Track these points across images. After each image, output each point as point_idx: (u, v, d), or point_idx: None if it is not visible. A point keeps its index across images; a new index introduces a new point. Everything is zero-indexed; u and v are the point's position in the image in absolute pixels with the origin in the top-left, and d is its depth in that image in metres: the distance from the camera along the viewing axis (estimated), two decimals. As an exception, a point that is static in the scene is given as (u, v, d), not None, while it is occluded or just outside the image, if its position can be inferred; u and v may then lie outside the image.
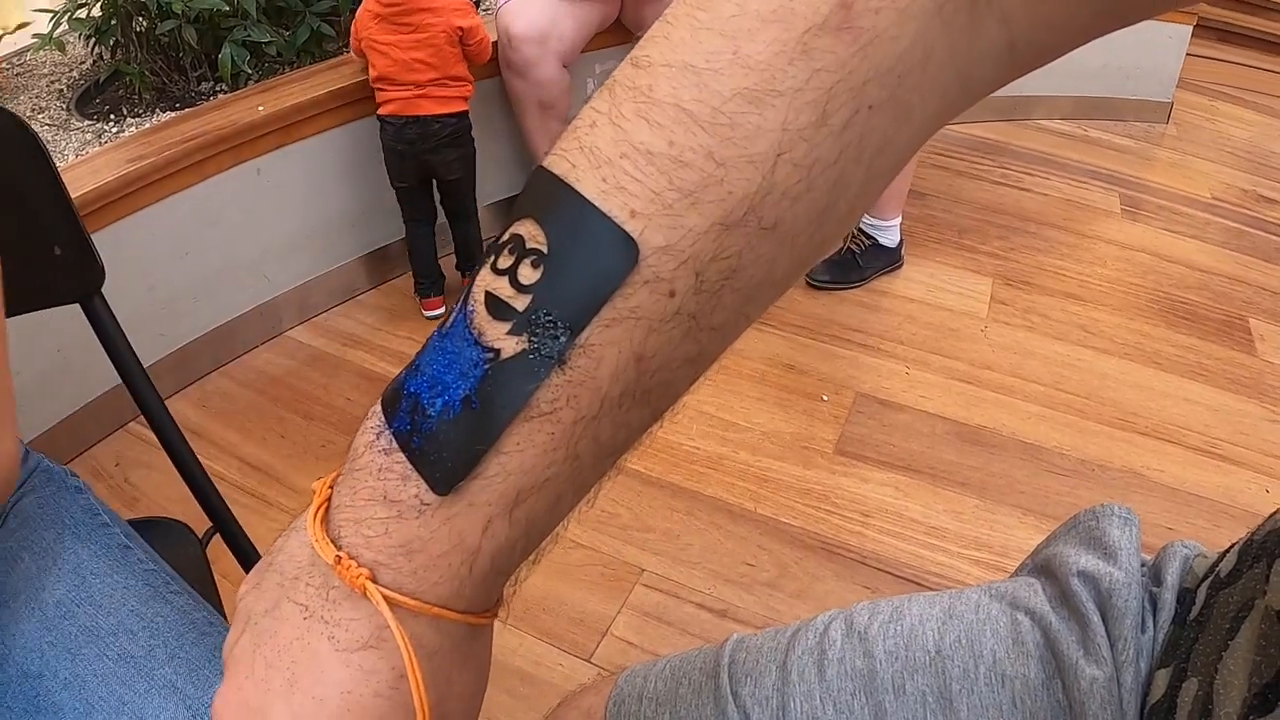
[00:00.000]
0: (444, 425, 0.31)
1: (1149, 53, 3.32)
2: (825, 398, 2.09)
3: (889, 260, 2.48)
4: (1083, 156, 3.19)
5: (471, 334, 0.31)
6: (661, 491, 1.84)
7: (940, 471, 1.92)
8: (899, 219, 2.45)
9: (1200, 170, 3.20)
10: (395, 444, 0.33)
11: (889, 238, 2.45)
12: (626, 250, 0.30)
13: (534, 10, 2.15)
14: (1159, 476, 1.95)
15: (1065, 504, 1.85)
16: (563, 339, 0.30)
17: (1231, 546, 0.57)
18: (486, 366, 0.31)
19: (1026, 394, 2.13)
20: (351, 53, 2.14)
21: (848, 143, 0.31)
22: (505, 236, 0.32)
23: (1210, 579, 0.55)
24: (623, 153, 0.30)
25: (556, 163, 0.31)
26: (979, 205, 2.84)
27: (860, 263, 2.43)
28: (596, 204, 0.30)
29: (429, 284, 2.31)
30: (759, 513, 1.81)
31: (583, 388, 0.31)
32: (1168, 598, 0.57)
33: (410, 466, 0.32)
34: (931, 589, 1.65)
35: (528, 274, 0.31)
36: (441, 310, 2.33)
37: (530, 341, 0.30)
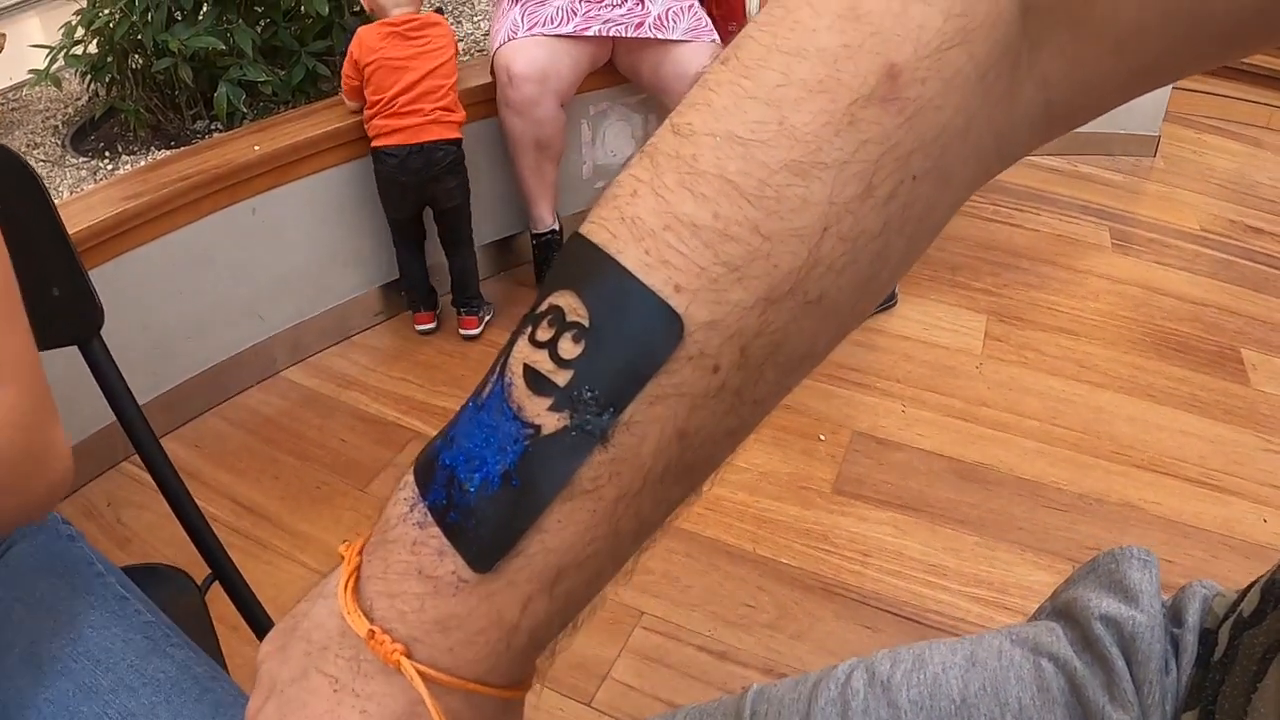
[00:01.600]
0: (483, 501, 0.31)
1: (1136, 88, 3.35)
2: (822, 437, 2.08)
3: (884, 299, 2.48)
4: (1073, 191, 3.21)
5: (510, 408, 0.31)
6: (660, 533, 1.82)
7: (938, 509, 1.91)
8: (893, 256, 2.45)
9: (1188, 202, 3.22)
10: (430, 518, 0.32)
11: (883, 275, 2.45)
12: (671, 326, 0.29)
13: (533, 49, 2.16)
14: (1156, 509, 1.95)
15: (1064, 539, 1.85)
16: (606, 417, 0.29)
17: (1252, 585, 0.56)
18: (527, 443, 0.30)
19: (1023, 430, 2.13)
20: (342, 93, 2.16)
21: (892, 213, 0.30)
22: (543, 307, 0.31)
23: (1233, 618, 0.55)
24: (666, 224, 0.29)
25: (596, 232, 0.31)
26: (971, 242, 2.85)
27: (855, 300, 2.43)
28: (640, 277, 0.29)
29: (420, 299, 2.35)
30: (758, 553, 1.80)
31: (625, 465, 0.30)
32: (1189, 639, 0.57)
33: (446, 542, 0.31)
34: (932, 627, 1.65)
35: (569, 348, 0.30)
36: (433, 325, 2.39)
37: (573, 418, 0.30)
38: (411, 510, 0.33)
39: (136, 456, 1.00)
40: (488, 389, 0.32)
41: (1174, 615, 0.60)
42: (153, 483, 1.01)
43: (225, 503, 1.89)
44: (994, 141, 0.33)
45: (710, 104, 0.30)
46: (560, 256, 0.32)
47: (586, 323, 0.30)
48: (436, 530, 0.32)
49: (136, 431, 0.99)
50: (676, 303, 0.29)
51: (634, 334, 0.29)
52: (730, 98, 0.30)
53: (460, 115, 2.13)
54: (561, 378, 0.30)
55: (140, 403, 1.00)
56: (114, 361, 0.98)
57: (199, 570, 1.04)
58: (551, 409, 0.30)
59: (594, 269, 0.30)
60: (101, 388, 0.98)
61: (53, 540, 0.84)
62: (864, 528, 1.86)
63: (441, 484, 0.32)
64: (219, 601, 1.04)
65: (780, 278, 0.29)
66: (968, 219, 2.98)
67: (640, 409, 0.29)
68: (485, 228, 2.45)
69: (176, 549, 1.06)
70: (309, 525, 1.84)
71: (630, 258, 0.30)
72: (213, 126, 2.53)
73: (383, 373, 2.27)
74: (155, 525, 1.77)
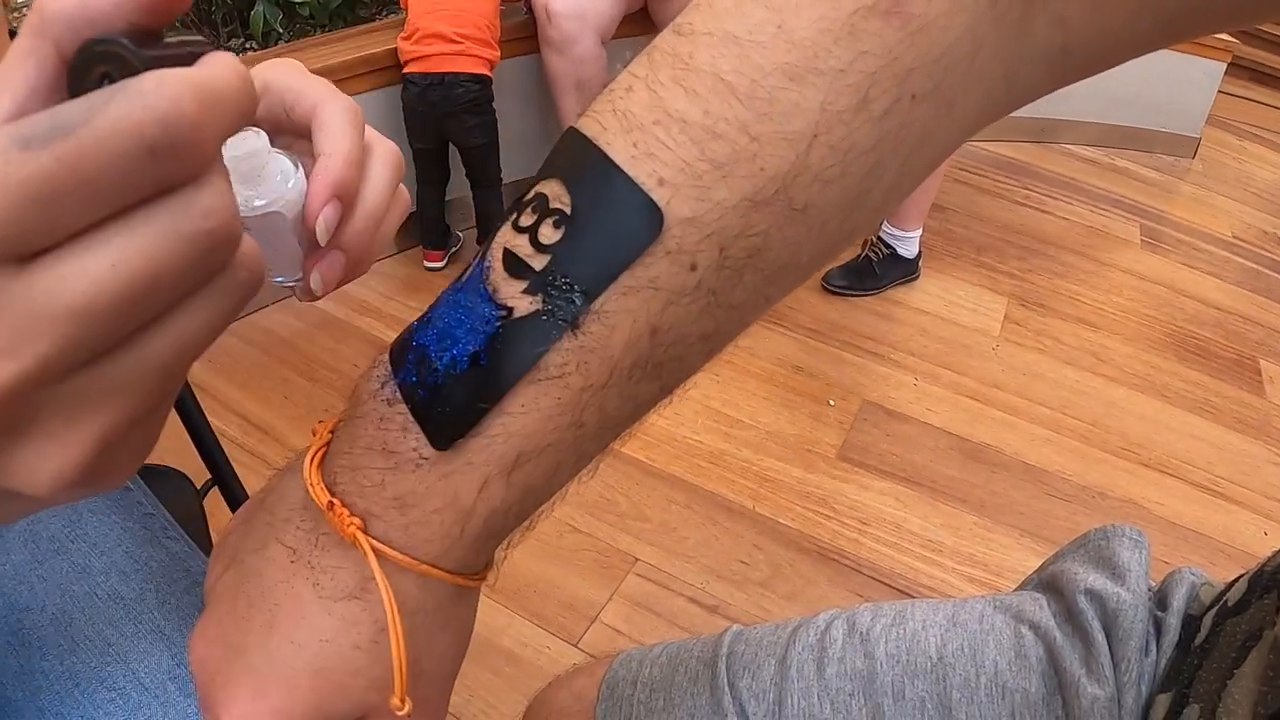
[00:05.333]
0: (450, 380, 0.31)
1: (1181, 87, 3.31)
2: (832, 402, 2.08)
3: (906, 271, 2.47)
4: (1107, 184, 3.18)
5: (486, 290, 0.31)
6: (661, 482, 1.83)
7: (941, 486, 1.91)
8: (919, 231, 2.44)
9: (1223, 208, 3.19)
10: (399, 395, 0.32)
11: (908, 249, 2.44)
12: (651, 218, 0.29)
13: None
14: (1159, 509, 1.94)
15: (1063, 528, 1.84)
16: (578, 303, 0.29)
17: (1240, 576, 0.56)
18: (498, 324, 0.30)
19: (1033, 416, 2.13)
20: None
21: (886, 131, 0.30)
22: (529, 194, 0.31)
23: (1217, 607, 0.55)
24: (656, 119, 0.29)
25: (588, 124, 0.31)
26: (1000, 224, 2.83)
27: (877, 271, 2.42)
28: (625, 169, 0.29)
29: (433, 237, 2.35)
30: (757, 512, 1.80)
31: (594, 355, 0.30)
32: (1172, 622, 0.57)
33: (412, 419, 0.31)
34: (924, 602, 1.65)
35: (548, 234, 0.30)
36: (442, 263, 2.38)
37: (545, 302, 0.30)
38: (382, 387, 0.33)
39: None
40: (469, 272, 0.32)
41: (1160, 598, 0.60)
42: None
43: (233, 418, 1.90)
44: (1003, 74, 0.32)
45: (712, 4, 0.30)
46: (555, 148, 0.32)
47: (568, 209, 0.30)
48: (403, 407, 0.32)
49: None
50: (659, 195, 0.29)
51: (613, 223, 0.29)
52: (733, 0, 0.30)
53: (492, 53, 2.10)
54: (538, 262, 0.30)
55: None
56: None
57: (201, 478, 1.05)
58: (525, 292, 0.30)
59: (581, 158, 0.30)
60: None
61: None
62: (865, 496, 1.86)
63: (413, 363, 0.32)
64: (219, 512, 1.05)
65: (765, 180, 0.29)
66: (998, 200, 2.96)
67: (613, 299, 0.29)
68: (527, 161, 2.43)
69: (180, 457, 1.06)
70: (314, 447, 1.85)
71: (618, 150, 0.29)
72: (247, 45, 2.52)
73: (400, 301, 2.27)
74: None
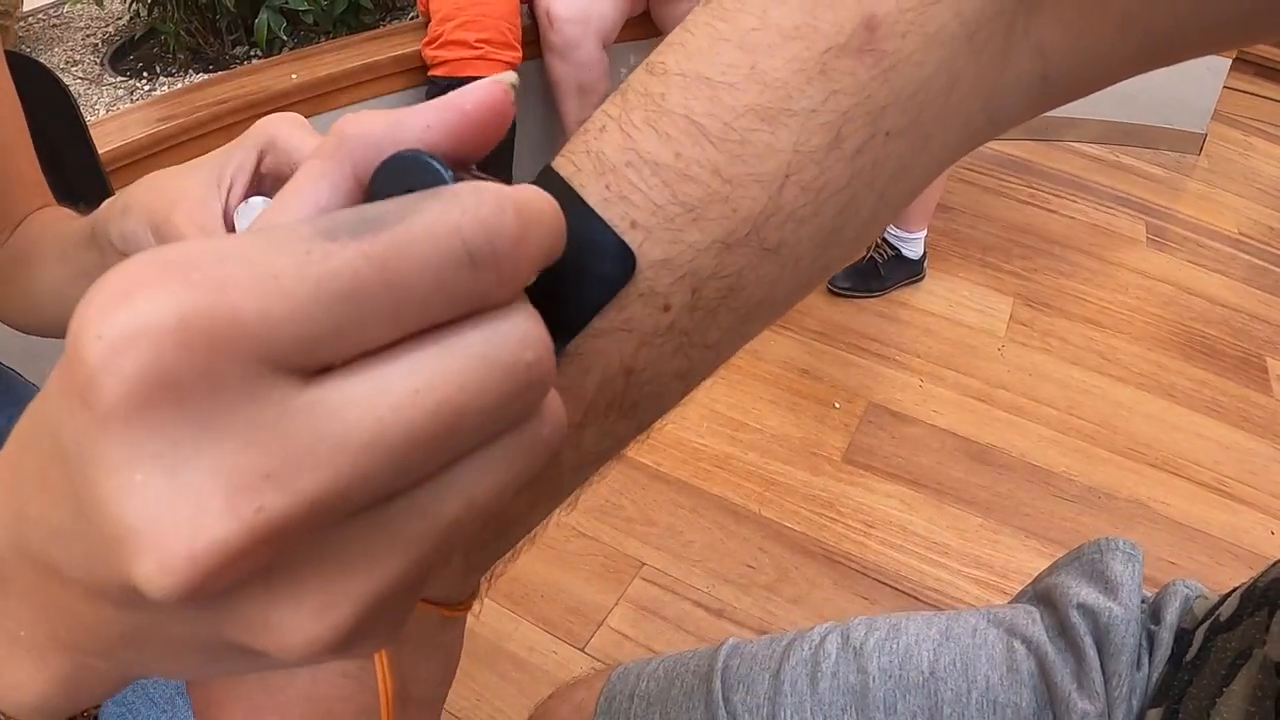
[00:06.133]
0: None
1: (1186, 83, 3.30)
2: (837, 405, 2.08)
3: (911, 272, 2.47)
4: (1112, 182, 3.17)
5: None
6: (667, 486, 1.84)
7: (947, 488, 1.91)
8: (924, 232, 2.44)
9: (1229, 205, 3.17)
10: None
11: (913, 250, 2.44)
12: (624, 261, 0.29)
13: None
14: (1165, 509, 1.94)
15: (1069, 529, 1.84)
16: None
17: (1234, 590, 0.56)
18: None
19: (1039, 416, 2.12)
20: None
21: (860, 168, 0.30)
22: None
23: (1209, 621, 0.55)
24: (628, 161, 0.29)
25: (563, 165, 0.31)
26: (1005, 224, 2.83)
27: (882, 272, 2.42)
28: (598, 211, 0.29)
29: None
30: (763, 515, 1.80)
31: (568, 395, 0.30)
32: (1165, 637, 0.57)
33: None
34: (929, 604, 1.65)
35: None
36: None
37: None
38: None
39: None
40: None
41: (1153, 612, 0.60)
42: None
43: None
44: (982, 105, 0.32)
45: (685, 44, 0.30)
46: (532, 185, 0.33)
47: None
48: None
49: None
50: (631, 238, 0.29)
51: (586, 265, 0.29)
52: (705, 39, 0.30)
53: (514, 54, 2.10)
54: None
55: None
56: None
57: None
58: None
59: (556, 199, 0.30)
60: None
61: None
62: (871, 499, 1.86)
63: None
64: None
65: (738, 222, 0.29)
66: (1003, 200, 2.95)
67: (587, 341, 0.29)
68: (526, 164, 2.43)
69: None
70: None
71: (591, 192, 0.29)
72: (252, 53, 2.53)
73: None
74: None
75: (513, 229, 0.20)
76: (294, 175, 0.23)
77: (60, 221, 0.71)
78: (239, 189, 0.54)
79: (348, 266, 0.18)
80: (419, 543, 0.21)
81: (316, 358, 0.18)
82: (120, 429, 0.17)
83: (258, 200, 0.52)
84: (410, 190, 0.21)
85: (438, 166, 0.22)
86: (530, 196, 0.22)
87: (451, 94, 0.24)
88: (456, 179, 0.22)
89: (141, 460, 0.17)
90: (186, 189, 0.54)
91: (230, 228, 0.53)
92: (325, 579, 0.20)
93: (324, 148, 0.23)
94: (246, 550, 0.18)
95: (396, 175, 0.22)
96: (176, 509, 0.17)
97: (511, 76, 0.25)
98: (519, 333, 0.21)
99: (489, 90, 0.24)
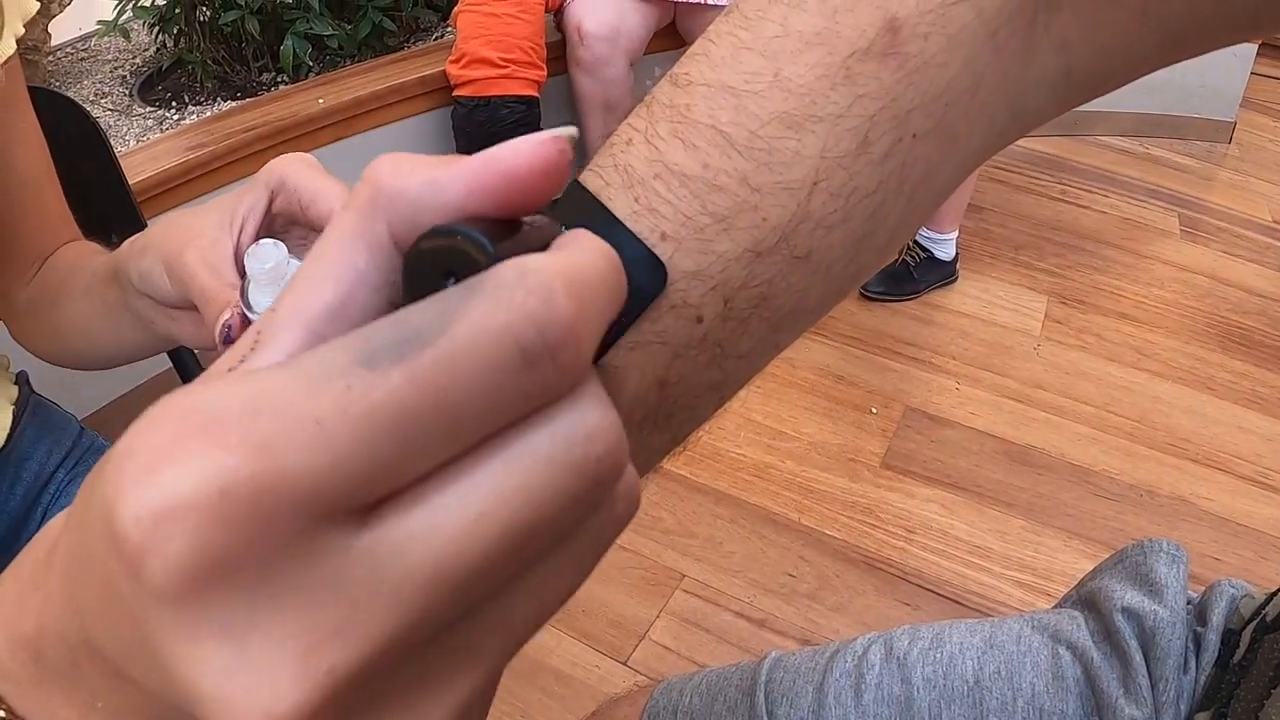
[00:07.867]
0: None
1: (1213, 71, 3.26)
2: (874, 410, 2.07)
3: (943, 274, 2.46)
4: (1143, 174, 3.13)
5: None
6: (706, 498, 1.83)
7: (987, 490, 1.90)
8: (956, 233, 2.43)
9: (1261, 192, 3.13)
10: None
11: (945, 251, 2.43)
12: (655, 273, 0.29)
13: (602, 7, 2.16)
14: (1208, 505, 1.91)
15: (1112, 529, 1.83)
16: None
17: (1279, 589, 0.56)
18: None
19: (1077, 415, 2.10)
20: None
21: (889, 172, 0.30)
22: None
23: (1256, 621, 0.54)
24: (656, 173, 0.29)
25: (590, 179, 0.31)
26: (1036, 221, 2.81)
27: (914, 275, 2.41)
28: (628, 224, 0.29)
29: None
30: (802, 523, 1.80)
31: None
32: (1212, 638, 0.56)
33: None
34: (972, 609, 1.64)
35: None
36: None
37: None
38: None
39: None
40: None
41: (1199, 613, 0.59)
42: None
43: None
44: (1006, 104, 0.32)
45: (708, 54, 0.30)
46: (559, 200, 0.32)
47: None
48: None
49: (190, 374, 1.01)
50: (661, 250, 0.29)
51: None
52: (728, 48, 0.30)
53: (539, 73, 2.12)
54: None
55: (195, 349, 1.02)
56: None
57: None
58: None
59: (584, 214, 0.30)
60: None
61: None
62: (911, 504, 1.85)
63: None
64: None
65: (767, 231, 0.29)
66: (1033, 197, 2.93)
67: (620, 355, 0.29)
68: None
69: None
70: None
71: (619, 205, 0.29)
72: (279, 79, 2.55)
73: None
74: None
75: (566, 315, 0.19)
76: (326, 230, 0.22)
77: (85, 256, 0.73)
78: (250, 229, 0.55)
79: (393, 397, 0.17)
80: (494, 654, 0.20)
81: (371, 495, 0.18)
82: (175, 608, 0.17)
83: (268, 242, 0.52)
84: (450, 274, 0.20)
85: (476, 252, 0.20)
86: (581, 264, 0.20)
87: (499, 149, 0.22)
88: (499, 253, 0.20)
89: (205, 636, 0.17)
90: (200, 229, 0.55)
91: (240, 268, 0.53)
92: (407, 705, 0.19)
93: (357, 200, 0.22)
94: (322, 710, 0.17)
95: (434, 258, 0.21)
96: (248, 681, 0.17)
97: (571, 130, 0.24)
98: (586, 427, 0.19)
99: (543, 149, 0.23)
